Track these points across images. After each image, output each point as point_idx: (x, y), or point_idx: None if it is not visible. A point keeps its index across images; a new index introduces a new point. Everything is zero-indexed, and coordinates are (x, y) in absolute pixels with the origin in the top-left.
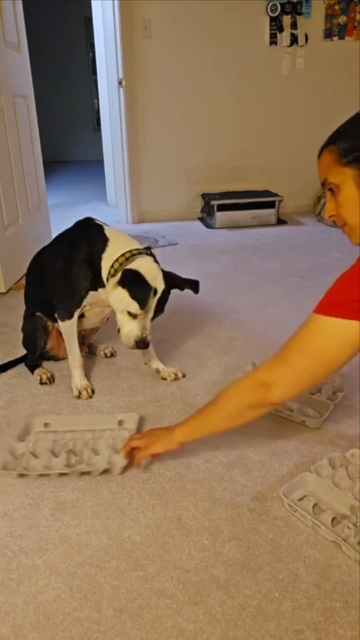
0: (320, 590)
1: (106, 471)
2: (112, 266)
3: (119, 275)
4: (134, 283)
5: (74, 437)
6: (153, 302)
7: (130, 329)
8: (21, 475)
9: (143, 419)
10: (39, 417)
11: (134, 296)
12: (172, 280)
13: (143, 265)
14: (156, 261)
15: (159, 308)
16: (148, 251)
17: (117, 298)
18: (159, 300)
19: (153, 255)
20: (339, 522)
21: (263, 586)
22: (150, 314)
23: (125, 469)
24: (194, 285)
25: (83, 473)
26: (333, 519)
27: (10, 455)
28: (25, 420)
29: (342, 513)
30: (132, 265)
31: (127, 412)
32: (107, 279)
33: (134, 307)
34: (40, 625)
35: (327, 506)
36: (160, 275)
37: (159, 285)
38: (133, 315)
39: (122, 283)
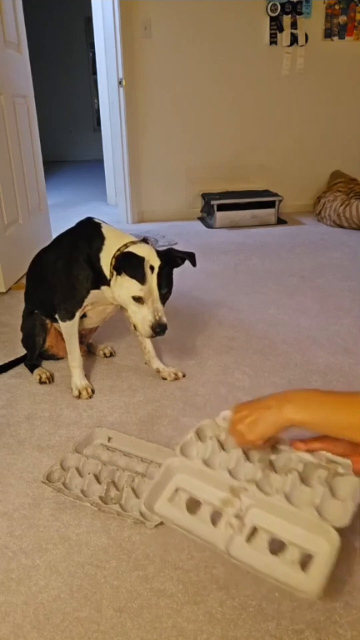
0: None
1: (138, 520)
2: (110, 263)
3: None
4: (125, 261)
5: (127, 464)
6: (153, 278)
7: (142, 316)
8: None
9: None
10: (105, 429)
11: (129, 273)
12: (167, 255)
13: (135, 249)
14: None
15: (163, 285)
16: (144, 242)
17: (119, 289)
18: (159, 276)
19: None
20: (220, 515)
21: (263, 586)
22: (155, 293)
23: (158, 525)
24: (190, 258)
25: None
26: (213, 513)
27: (59, 464)
28: (91, 429)
29: (222, 498)
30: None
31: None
32: (110, 278)
33: (135, 287)
34: (40, 625)
35: (203, 495)
36: (154, 254)
37: (154, 262)
38: (140, 300)
39: (117, 269)
